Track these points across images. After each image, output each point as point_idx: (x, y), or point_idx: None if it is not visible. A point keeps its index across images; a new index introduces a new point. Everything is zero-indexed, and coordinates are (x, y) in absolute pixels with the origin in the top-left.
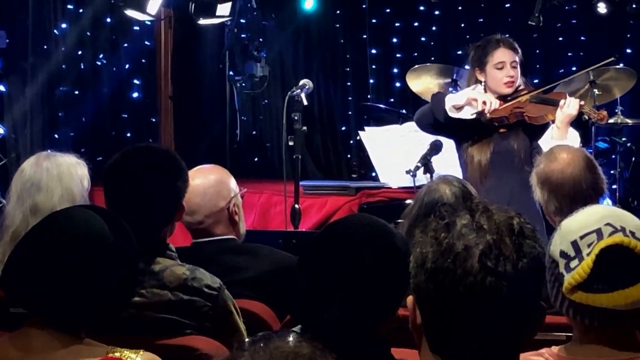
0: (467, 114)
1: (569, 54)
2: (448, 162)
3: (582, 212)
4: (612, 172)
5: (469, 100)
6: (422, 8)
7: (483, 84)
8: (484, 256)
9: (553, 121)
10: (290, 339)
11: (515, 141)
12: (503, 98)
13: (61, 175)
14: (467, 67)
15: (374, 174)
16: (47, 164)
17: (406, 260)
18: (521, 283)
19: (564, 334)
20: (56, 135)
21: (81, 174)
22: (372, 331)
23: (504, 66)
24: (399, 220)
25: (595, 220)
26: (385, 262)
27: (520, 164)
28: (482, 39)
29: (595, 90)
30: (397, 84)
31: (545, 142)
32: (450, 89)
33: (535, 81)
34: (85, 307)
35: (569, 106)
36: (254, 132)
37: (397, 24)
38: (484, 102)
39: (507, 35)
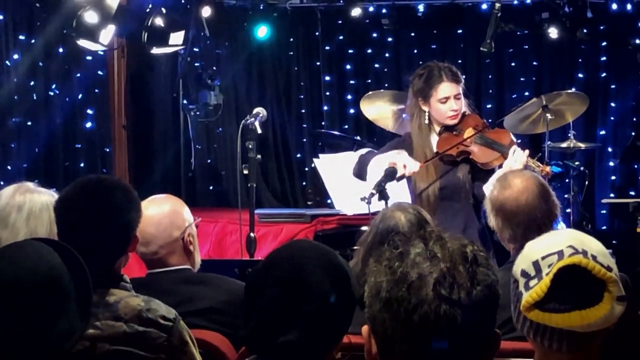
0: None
1: (522, 79)
2: (402, 189)
3: (548, 235)
4: (565, 195)
5: (391, 165)
6: (375, 35)
7: (427, 113)
8: (438, 284)
9: (500, 166)
10: None
11: (461, 173)
12: (449, 129)
13: (30, 216)
14: (409, 93)
15: (329, 201)
16: (20, 199)
17: (350, 278)
18: (475, 310)
19: (520, 359)
20: (9, 167)
21: (53, 217)
22: (324, 356)
23: (447, 101)
24: (355, 247)
25: (558, 243)
26: (333, 280)
27: (466, 195)
28: (425, 68)
29: (548, 115)
30: (351, 111)
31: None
32: (404, 115)
33: (489, 106)
34: (40, 340)
35: (516, 161)
36: (208, 161)
37: (350, 51)
38: (404, 166)
39: (460, 62)
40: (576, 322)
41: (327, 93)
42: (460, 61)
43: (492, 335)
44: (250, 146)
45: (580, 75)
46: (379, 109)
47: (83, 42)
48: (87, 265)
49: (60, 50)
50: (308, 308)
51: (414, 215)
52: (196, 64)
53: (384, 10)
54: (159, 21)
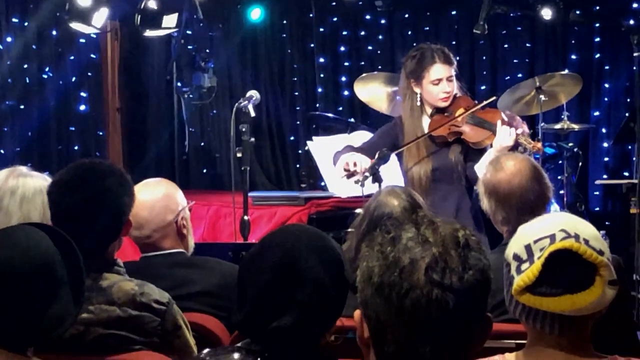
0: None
1: (515, 61)
2: (396, 172)
3: (541, 218)
4: (559, 177)
5: (345, 167)
6: (368, 17)
7: (419, 95)
8: (430, 269)
9: (491, 145)
10: (236, 355)
11: (453, 154)
12: (440, 111)
13: (23, 200)
14: (401, 74)
15: (323, 184)
16: (13, 183)
17: (343, 262)
18: (467, 295)
19: (512, 341)
20: (2, 151)
21: (47, 201)
22: (318, 340)
23: (440, 82)
24: (349, 230)
25: (550, 227)
26: (326, 265)
27: (459, 177)
28: (418, 49)
29: (542, 96)
30: (345, 93)
31: (483, 166)
32: (398, 97)
33: (482, 87)
34: (32, 324)
35: (506, 138)
36: (202, 144)
37: (344, 33)
38: (355, 164)
39: (453, 43)
40: (567, 306)
41: (321, 75)
42: (453, 43)
43: (483, 320)
44: (244, 129)
45: (574, 57)
46: (372, 91)
47: (76, 25)
48: (80, 249)
49: (54, 33)
50: (301, 293)
51: (408, 202)
52: (189, 47)
53: None
54: (152, 4)
